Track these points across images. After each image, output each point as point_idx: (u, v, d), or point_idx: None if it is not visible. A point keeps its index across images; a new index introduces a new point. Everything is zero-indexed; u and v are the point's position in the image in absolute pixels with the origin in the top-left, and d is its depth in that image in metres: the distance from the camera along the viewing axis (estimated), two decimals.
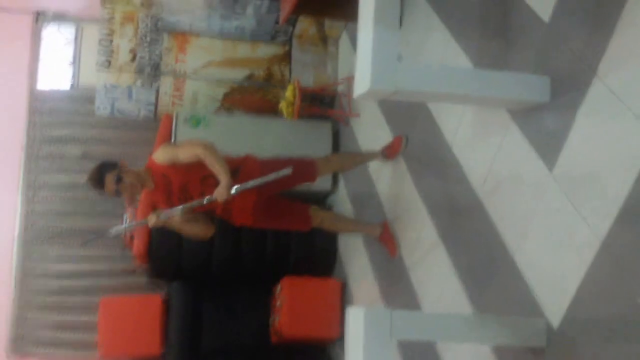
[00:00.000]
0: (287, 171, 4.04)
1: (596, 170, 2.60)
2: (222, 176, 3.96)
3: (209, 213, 4.27)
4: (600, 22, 2.61)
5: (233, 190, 3.96)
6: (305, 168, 4.44)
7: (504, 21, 3.34)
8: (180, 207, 4.03)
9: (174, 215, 4.05)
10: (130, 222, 5.36)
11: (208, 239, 4.37)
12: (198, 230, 4.22)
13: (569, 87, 2.77)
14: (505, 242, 3.17)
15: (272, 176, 4.02)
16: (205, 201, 4.01)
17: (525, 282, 2.98)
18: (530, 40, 3.08)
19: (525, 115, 3.07)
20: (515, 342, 2.88)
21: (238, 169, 4.21)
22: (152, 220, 4.04)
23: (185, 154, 4.05)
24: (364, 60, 2.64)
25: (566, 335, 2.71)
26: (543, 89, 2.86)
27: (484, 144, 3.43)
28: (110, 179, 3.99)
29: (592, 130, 2.64)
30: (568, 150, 2.76)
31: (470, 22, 3.74)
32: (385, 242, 4.50)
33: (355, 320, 2.58)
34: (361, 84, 2.69)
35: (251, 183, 4.03)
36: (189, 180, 4.11)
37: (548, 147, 2.89)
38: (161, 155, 4.13)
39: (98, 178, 4.03)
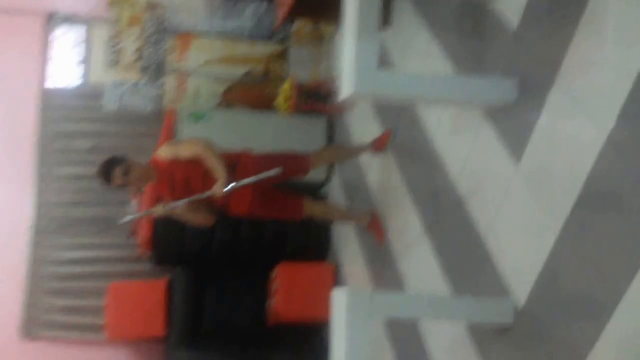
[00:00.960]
0: (276, 171, 4.22)
1: (555, 165, 2.80)
2: (219, 174, 4.18)
3: (210, 203, 4.47)
4: (560, 31, 2.80)
5: (228, 187, 4.17)
6: (298, 162, 4.63)
7: (479, 27, 3.53)
8: (182, 200, 4.24)
9: (178, 207, 4.27)
10: (137, 212, 5.56)
11: (210, 226, 4.57)
12: (200, 219, 4.43)
13: (533, 89, 2.95)
14: (478, 229, 3.36)
15: (262, 175, 4.20)
16: (204, 195, 4.22)
17: (495, 265, 3.16)
18: (501, 45, 3.26)
19: (496, 114, 3.25)
20: (484, 320, 3.10)
21: (235, 163, 4.41)
22: (158, 210, 4.27)
23: (185, 152, 4.27)
24: (347, 68, 2.86)
25: (530, 314, 2.89)
26: (510, 91, 3.04)
27: (461, 139, 3.63)
28: (117, 172, 4.20)
29: (552, 129, 2.83)
30: (532, 146, 2.95)
31: (451, 26, 3.92)
32: (373, 230, 4.67)
33: (339, 301, 2.79)
34: (345, 89, 2.91)
35: (244, 181, 4.21)
36: (191, 174, 4.32)
37: (515, 143, 3.07)
38: (164, 152, 4.35)
39: (106, 171, 4.24)
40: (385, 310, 2.84)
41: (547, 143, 2.88)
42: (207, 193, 4.22)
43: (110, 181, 4.25)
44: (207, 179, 4.31)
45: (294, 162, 4.62)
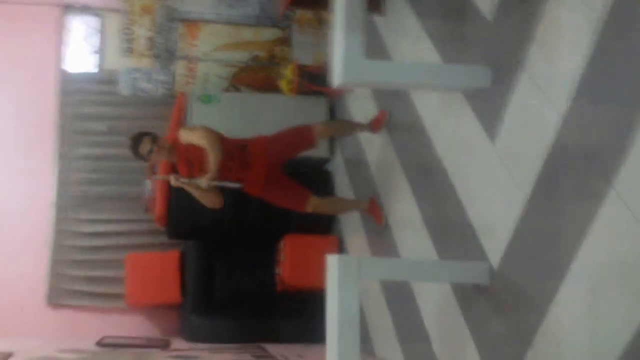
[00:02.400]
0: (237, 185, 4.64)
1: (523, 142, 3.13)
2: (212, 166, 4.48)
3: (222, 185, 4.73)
4: (525, 24, 3.11)
5: (214, 183, 4.50)
6: (304, 134, 4.89)
7: (460, 17, 3.82)
8: (188, 180, 4.54)
9: (188, 184, 4.59)
10: (151, 189, 5.87)
11: (217, 209, 4.79)
12: (208, 199, 4.66)
13: (504, 75, 3.26)
14: (461, 200, 3.68)
15: (226, 184, 4.58)
16: (195, 182, 4.52)
17: (475, 232, 3.49)
18: (478, 34, 3.56)
19: (474, 97, 3.56)
20: (464, 281, 3.45)
21: (245, 145, 4.75)
22: (172, 180, 4.54)
23: (196, 141, 4.58)
24: (337, 59, 3.18)
25: (504, 274, 3.23)
26: (485, 77, 3.36)
27: (445, 120, 3.93)
28: (147, 140, 4.53)
29: (519, 111, 3.16)
30: (504, 126, 3.27)
31: (437, 15, 4.21)
32: (372, 213, 4.93)
33: (332, 266, 3.10)
34: (335, 78, 3.23)
35: (225, 183, 4.57)
36: (205, 160, 4.59)
37: (490, 124, 3.39)
38: (183, 136, 4.66)
39: (137, 137, 4.58)
40: (371, 273, 3.18)
41: (516, 123, 3.20)
42: (194, 181, 4.50)
43: (139, 146, 4.56)
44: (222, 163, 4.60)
45: (300, 136, 4.90)
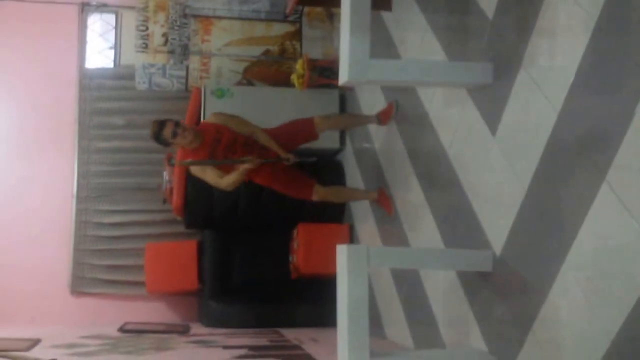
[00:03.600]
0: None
1: (522, 135, 3.24)
2: (271, 144, 4.81)
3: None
4: (523, 22, 3.22)
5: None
6: (304, 127, 5.05)
7: (464, 14, 3.92)
8: (208, 161, 4.70)
9: (203, 165, 4.72)
10: (169, 180, 6.00)
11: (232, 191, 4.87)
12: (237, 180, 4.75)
13: (505, 71, 3.37)
14: (465, 191, 3.78)
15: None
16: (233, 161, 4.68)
17: (479, 221, 3.60)
18: (480, 32, 3.65)
19: (477, 92, 3.66)
20: (469, 269, 3.58)
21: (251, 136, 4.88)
22: (189, 163, 4.75)
23: (238, 126, 4.79)
24: (343, 58, 3.30)
25: (506, 262, 3.35)
26: (487, 73, 3.46)
27: (450, 113, 4.03)
28: (170, 124, 4.65)
29: (519, 106, 3.27)
30: (505, 120, 3.38)
31: (441, 13, 4.31)
32: (381, 204, 5.04)
33: (342, 254, 3.22)
34: (342, 75, 3.35)
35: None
36: (237, 139, 4.78)
37: (492, 117, 3.49)
38: (218, 118, 4.83)
39: (161, 122, 4.70)
40: (379, 261, 3.32)
41: (515, 117, 3.31)
42: (242, 159, 4.66)
43: (162, 130, 4.67)
44: (249, 147, 4.77)
45: (301, 128, 5.05)
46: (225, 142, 4.77)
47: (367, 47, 3.18)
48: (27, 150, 6.48)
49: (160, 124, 4.70)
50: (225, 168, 4.75)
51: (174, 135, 4.65)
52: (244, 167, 4.65)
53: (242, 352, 4.71)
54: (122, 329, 5.71)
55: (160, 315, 6.37)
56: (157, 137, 4.72)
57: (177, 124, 4.69)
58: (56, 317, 6.29)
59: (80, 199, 6.48)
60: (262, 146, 4.86)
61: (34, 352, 4.54)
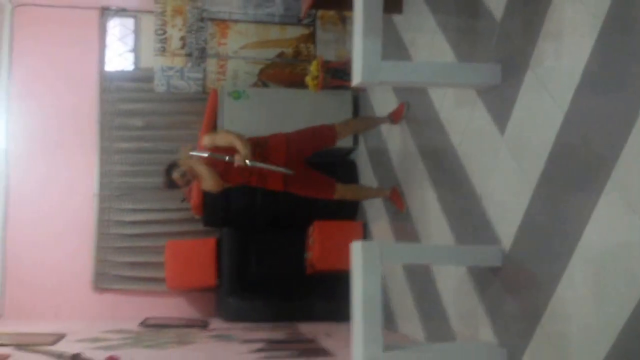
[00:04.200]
0: (290, 172, 4.77)
1: (530, 135, 3.26)
2: (240, 149, 4.68)
3: (245, 183, 4.93)
4: (531, 25, 3.24)
5: (248, 163, 4.65)
6: (325, 133, 5.03)
7: (473, 17, 3.94)
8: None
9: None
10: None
11: (217, 190, 4.86)
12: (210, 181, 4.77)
13: (513, 72, 3.40)
14: (475, 189, 3.82)
15: (274, 168, 4.74)
16: (226, 158, 4.70)
17: (488, 218, 3.64)
18: (489, 34, 3.68)
19: (486, 93, 3.69)
20: (479, 264, 3.61)
21: (266, 141, 4.88)
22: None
23: (221, 141, 4.78)
24: (356, 60, 3.34)
25: (514, 257, 3.38)
26: (496, 74, 3.49)
27: (460, 113, 4.06)
28: (178, 176, 4.76)
29: (526, 106, 3.30)
30: (513, 120, 3.41)
31: (451, 15, 4.33)
32: (394, 201, 5.07)
33: (356, 251, 3.27)
34: (355, 77, 3.39)
35: (261, 165, 4.70)
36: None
37: (500, 118, 3.52)
38: (205, 141, 4.85)
39: (169, 182, 4.81)
40: (392, 258, 3.35)
41: (523, 117, 3.34)
42: (229, 158, 4.68)
43: (175, 183, 4.82)
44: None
45: (321, 134, 5.04)
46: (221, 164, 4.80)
47: (379, 49, 3.22)
48: (51, 151, 6.56)
49: (169, 179, 4.83)
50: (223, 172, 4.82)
51: (187, 183, 4.83)
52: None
53: (260, 345, 4.76)
54: (143, 324, 5.77)
55: (180, 311, 6.43)
56: (173, 187, 4.91)
57: (182, 174, 4.77)
58: (79, 312, 6.37)
59: (102, 198, 6.55)
60: (260, 159, 4.84)
61: (59, 346, 4.60)
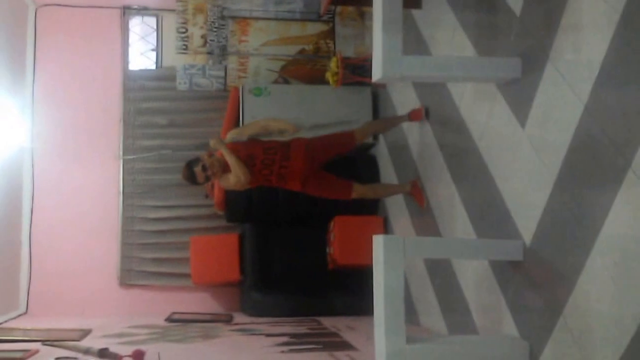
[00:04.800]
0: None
1: (549, 128, 3.27)
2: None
3: (265, 183, 4.96)
4: (550, 19, 3.24)
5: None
6: (344, 142, 5.09)
7: (492, 11, 3.95)
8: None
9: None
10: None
11: (244, 183, 4.81)
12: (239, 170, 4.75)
13: (533, 66, 3.40)
14: (496, 183, 3.82)
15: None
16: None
17: (509, 212, 3.64)
18: (508, 28, 3.69)
19: (506, 87, 3.69)
20: (500, 258, 3.61)
21: (289, 143, 4.92)
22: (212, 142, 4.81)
23: (246, 132, 4.90)
24: (377, 55, 3.36)
25: (536, 251, 3.39)
26: (516, 68, 3.49)
27: (480, 108, 4.06)
28: (199, 171, 4.68)
29: (546, 99, 3.30)
30: (533, 113, 3.41)
31: (470, 9, 4.34)
32: (414, 195, 5.08)
33: (378, 245, 3.29)
34: (376, 72, 3.41)
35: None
36: (253, 151, 4.83)
37: (521, 111, 3.53)
38: (229, 137, 4.89)
39: (190, 174, 4.73)
40: (414, 252, 3.37)
41: (544, 110, 3.34)
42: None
43: (195, 178, 4.72)
44: (268, 153, 4.83)
45: (341, 140, 5.09)
46: (259, 155, 4.82)
47: (399, 44, 3.24)
48: (76, 150, 6.63)
49: (190, 174, 4.73)
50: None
51: (207, 178, 4.76)
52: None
53: (284, 339, 4.80)
54: (169, 319, 5.82)
55: (205, 306, 6.48)
56: (193, 183, 4.83)
57: (203, 167, 4.69)
58: (105, 308, 6.43)
59: (126, 195, 6.62)
60: (282, 157, 4.89)
61: (86, 342, 4.66)
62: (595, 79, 2.86)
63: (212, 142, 4.77)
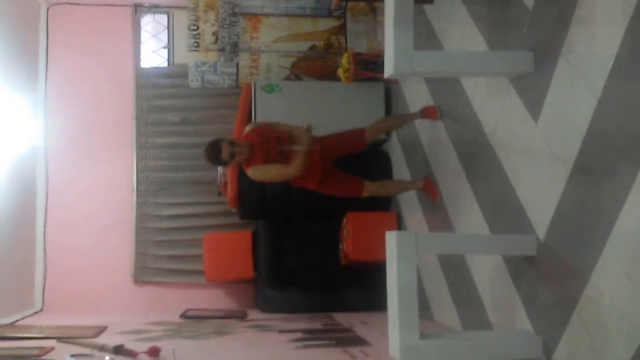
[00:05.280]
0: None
1: (562, 122, 3.26)
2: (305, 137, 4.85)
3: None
4: (562, 13, 3.23)
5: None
6: (355, 137, 5.10)
7: (504, 6, 3.96)
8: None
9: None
10: (223, 173, 6.12)
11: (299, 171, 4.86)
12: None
13: (545, 60, 3.39)
14: (509, 178, 3.82)
15: None
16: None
17: (522, 207, 3.64)
18: (520, 22, 3.67)
19: (519, 81, 3.69)
20: (513, 253, 3.61)
21: None
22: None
23: (276, 126, 4.97)
24: (388, 51, 3.36)
25: (549, 246, 3.39)
26: (529, 62, 3.48)
27: (492, 102, 4.05)
28: (226, 146, 4.66)
29: (559, 93, 3.29)
30: (546, 107, 3.40)
31: (482, 4, 4.34)
32: (427, 191, 5.08)
33: (391, 241, 3.29)
34: (388, 68, 3.41)
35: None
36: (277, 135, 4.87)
37: (534, 105, 3.52)
38: (248, 129, 4.93)
39: (215, 147, 4.67)
40: (427, 247, 3.37)
41: (557, 104, 3.33)
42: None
43: (220, 154, 4.66)
44: (280, 141, 4.84)
45: (352, 137, 5.10)
46: (273, 139, 4.83)
47: (410, 39, 3.24)
48: (90, 148, 6.67)
49: (215, 148, 4.68)
50: (280, 160, 4.81)
51: (232, 156, 4.69)
52: (300, 148, 4.74)
53: (298, 335, 4.81)
54: (184, 315, 5.85)
55: (219, 302, 6.50)
56: (216, 160, 4.74)
57: (231, 142, 4.69)
58: (120, 305, 6.48)
59: (139, 192, 6.64)
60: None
61: (101, 338, 4.69)
62: (609, 73, 2.86)
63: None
